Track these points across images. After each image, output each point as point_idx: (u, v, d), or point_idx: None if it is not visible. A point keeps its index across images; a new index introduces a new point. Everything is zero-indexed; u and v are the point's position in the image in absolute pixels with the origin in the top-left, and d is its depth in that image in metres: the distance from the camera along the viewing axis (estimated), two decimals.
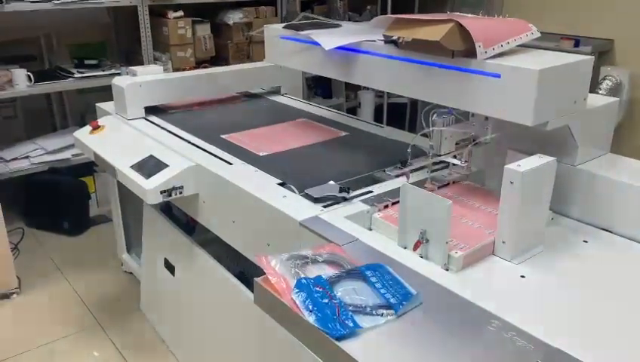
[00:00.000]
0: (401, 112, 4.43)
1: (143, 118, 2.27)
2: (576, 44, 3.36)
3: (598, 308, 1.09)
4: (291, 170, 1.70)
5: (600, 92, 3.19)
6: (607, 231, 1.37)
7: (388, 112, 4.36)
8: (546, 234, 1.31)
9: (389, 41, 1.49)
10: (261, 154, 1.88)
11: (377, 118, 4.36)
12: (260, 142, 1.99)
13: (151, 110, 2.31)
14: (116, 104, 2.32)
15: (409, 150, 1.48)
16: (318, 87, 4.36)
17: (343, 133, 2.10)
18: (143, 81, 2.26)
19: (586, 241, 1.34)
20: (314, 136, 2.05)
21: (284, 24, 1.93)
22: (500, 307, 1.04)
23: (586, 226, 1.40)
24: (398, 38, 1.44)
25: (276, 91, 2.70)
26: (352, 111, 4.37)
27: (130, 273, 2.74)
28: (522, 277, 1.19)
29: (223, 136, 2.04)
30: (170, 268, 2.17)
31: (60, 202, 3.19)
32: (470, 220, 1.37)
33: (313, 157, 1.86)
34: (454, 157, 1.49)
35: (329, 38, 1.65)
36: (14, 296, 2.63)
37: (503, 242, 1.23)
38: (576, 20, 3.52)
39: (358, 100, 4.43)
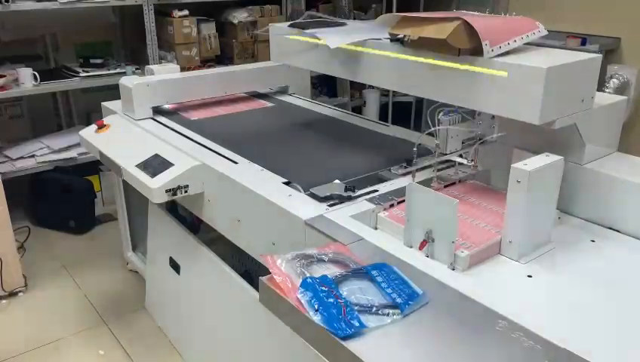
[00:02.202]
0: (406, 111, 4.42)
1: (151, 118, 2.26)
2: (583, 42, 3.34)
3: (606, 308, 1.08)
4: (296, 169, 1.70)
5: (607, 90, 3.17)
6: (614, 230, 1.36)
7: (393, 111, 4.35)
8: (553, 234, 1.30)
9: (394, 39, 1.49)
10: (193, 118, 2.27)
11: (383, 116, 4.35)
12: (198, 110, 2.39)
13: (158, 110, 2.32)
14: (123, 104, 2.31)
15: (415, 149, 1.47)
16: (323, 85, 4.35)
17: (269, 104, 2.48)
18: (151, 81, 2.26)
19: (593, 241, 1.33)
20: (242, 107, 2.45)
21: (289, 23, 1.92)
22: (506, 307, 1.03)
23: (594, 225, 1.39)
24: (404, 36, 1.43)
25: (284, 91, 2.69)
26: (358, 110, 4.36)
27: (136, 271, 2.74)
28: (529, 276, 1.18)
29: (166, 106, 2.37)
30: (175, 266, 2.17)
31: (65, 201, 3.20)
32: (476, 219, 1.36)
33: (318, 156, 1.86)
34: (460, 156, 1.48)
35: (334, 37, 1.65)
36: (20, 294, 2.64)
37: (510, 241, 1.23)
38: (583, 19, 3.50)
39: (364, 99, 4.42)
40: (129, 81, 2.25)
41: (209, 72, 2.48)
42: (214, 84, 2.43)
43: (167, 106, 2.37)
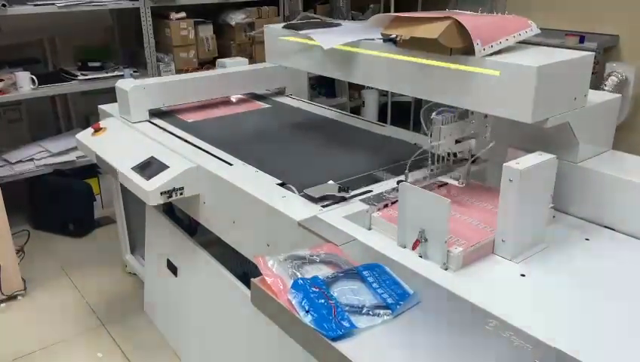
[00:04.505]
0: (405, 111, 4.42)
1: (148, 120, 2.26)
2: (582, 40, 3.33)
3: (599, 307, 1.08)
4: (291, 170, 1.70)
5: (605, 88, 3.15)
6: (609, 228, 1.36)
7: (392, 111, 4.34)
8: (547, 233, 1.29)
9: (387, 39, 1.49)
10: (189, 120, 2.26)
11: (382, 117, 4.34)
12: (194, 112, 2.38)
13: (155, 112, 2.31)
14: (120, 107, 2.31)
15: (408, 163, 1.46)
16: (322, 86, 4.35)
17: (265, 105, 2.48)
18: (147, 83, 2.26)
19: (587, 239, 1.32)
20: (238, 108, 2.45)
21: (283, 24, 1.92)
22: (498, 306, 1.02)
23: (588, 224, 1.38)
24: (397, 36, 1.43)
25: (281, 92, 2.68)
26: (356, 110, 4.36)
27: (134, 274, 2.74)
28: (522, 276, 1.18)
29: (164, 109, 2.37)
30: (172, 269, 2.17)
31: (64, 204, 3.20)
32: (470, 218, 1.36)
33: (313, 157, 1.86)
34: (454, 156, 1.47)
35: (328, 38, 1.65)
36: (20, 297, 2.64)
37: (503, 241, 1.22)
38: (582, 16, 3.49)
39: (362, 99, 4.42)
40: (125, 83, 2.25)
41: (205, 74, 2.48)
42: (211, 86, 2.42)
43: (163, 108, 2.38)
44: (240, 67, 2.61)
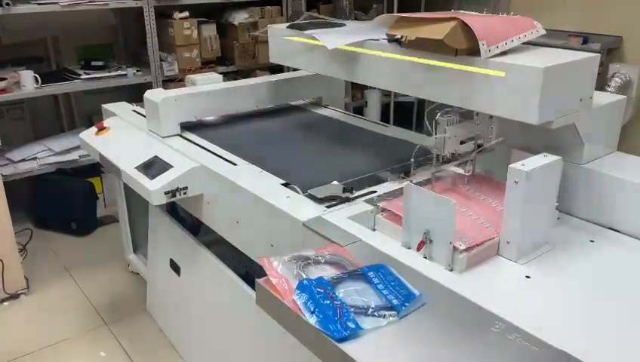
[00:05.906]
0: (408, 111, 4.41)
1: (179, 135, 2.08)
2: (585, 41, 3.32)
3: (605, 309, 1.08)
4: (295, 170, 1.69)
5: (609, 89, 3.15)
6: (614, 230, 1.36)
7: (395, 111, 4.34)
8: (552, 234, 1.29)
9: (392, 40, 1.49)
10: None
11: (384, 117, 4.34)
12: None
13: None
14: (148, 120, 2.13)
15: (412, 160, 1.45)
16: None
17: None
18: (178, 94, 2.08)
19: (592, 241, 1.32)
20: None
21: (287, 24, 1.92)
22: (504, 308, 1.02)
23: (593, 226, 1.38)
24: (402, 36, 1.43)
25: (318, 103, 2.50)
26: (359, 110, 4.35)
27: (137, 273, 2.74)
28: (527, 277, 1.17)
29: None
30: (175, 268, 2.17)
31: (67, 203, 3.21)
32: (475, 214, 1.34)
33: (317, 157, 1.86)
34: (458, 156, 1.47)
35: (332, 38, 1.65)
36: (22, 296, 2.64)
37: (508, 242, 1.22)
38: (585, 17, 3.49)
39: (365, 99, 4.41)
40: (155, 95, 2.06)
41: (238, 84, 2.28)
42: (243, 97, 2.24)
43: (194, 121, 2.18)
44: (274, 76, 2.44)
